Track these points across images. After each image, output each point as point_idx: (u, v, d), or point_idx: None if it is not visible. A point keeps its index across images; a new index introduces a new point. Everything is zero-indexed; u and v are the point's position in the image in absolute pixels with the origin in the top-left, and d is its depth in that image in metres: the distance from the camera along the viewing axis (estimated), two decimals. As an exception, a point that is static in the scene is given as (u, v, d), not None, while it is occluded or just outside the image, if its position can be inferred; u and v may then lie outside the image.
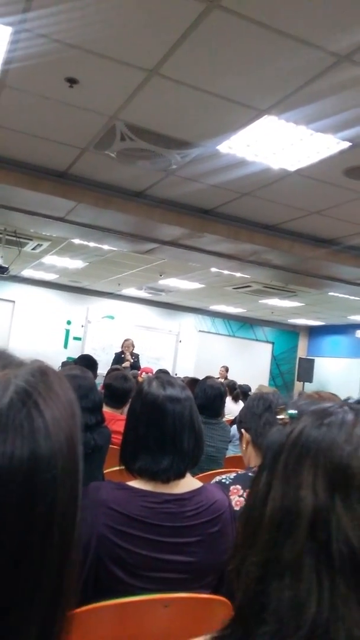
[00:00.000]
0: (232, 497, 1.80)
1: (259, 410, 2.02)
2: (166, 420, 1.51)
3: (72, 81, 3.20)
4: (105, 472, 2.76)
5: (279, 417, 0.67)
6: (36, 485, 0.47)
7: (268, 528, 0.62)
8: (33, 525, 0.47)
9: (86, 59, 2.95)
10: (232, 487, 1.83)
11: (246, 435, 2.02)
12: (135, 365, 8.89)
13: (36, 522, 0.47)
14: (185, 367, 11.87)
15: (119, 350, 9.39)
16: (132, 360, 8.98)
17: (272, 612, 0.58)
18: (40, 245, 7.61)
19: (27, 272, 10.32)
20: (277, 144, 3.69)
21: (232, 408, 6.47)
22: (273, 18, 2.46)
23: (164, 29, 2.63)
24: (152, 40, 2.73)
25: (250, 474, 1.89)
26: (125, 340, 9.35)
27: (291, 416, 0.67)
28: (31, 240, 7.31)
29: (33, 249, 7.88)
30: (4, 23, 2.73)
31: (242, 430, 2.04)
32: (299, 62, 2.75)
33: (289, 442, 0.64)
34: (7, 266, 7.33)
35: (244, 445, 2.03)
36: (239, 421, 2.10)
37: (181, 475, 1.52)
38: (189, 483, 1.55)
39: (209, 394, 3.56)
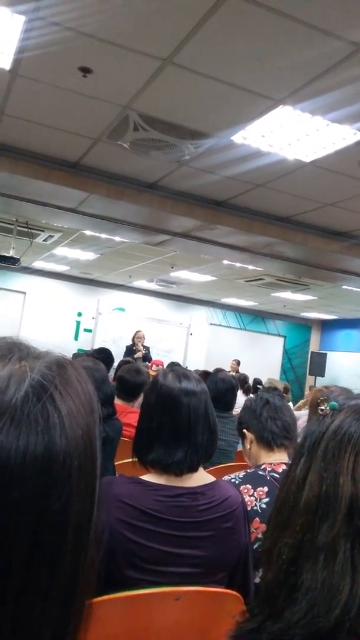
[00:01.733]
0: (243, 496, 1.78)
1: (259, 407, 2.03)
2: (181, 413, 1.51)
3: (85, 70, 3.18)
4: (116, 464, 2.77)
5: (320, 408, 0.70)
6: (51, 483, 0.46)
7: (304, 512, 0.64)
8: (47, 523, 0.46)
9: (100, 48, 2.92)
10: (242, 487, 1.81)
11: (249, 435, 2.02)
12: (146, 358, 8.90)
13: (50, 521, 0.46)
14: (196, 360, 11.86)
15: (130, 343, 9.41)
16: (144, 352, 8.99)
17: (304, 592, 0.60)
18: (52, 236, 7.62)
19: (39, 264, 10.35)
20: (293, 134, 3.64)
21: (244, 402, 6.45)
22: (290, 6, 2.41)
23: (179, 18, 2.59)
24: (166, 29, 2.70)
25: (260, 472, 1.88)
26: (137, 332, 9.36)
27: (332, 407, 0.70)
28: (43, 231, 7.32)
29: (44, 240, 7.89)
30: (17, 12, 2.71)
31: (244, 430, 2.04)
32: (317, 51, 2.70)
33: (329, 432, 0.67)
34: (18, 257, 7.34)
35: (248, 445, 2.03)
36: (239, 422, 2.11)
37: (194, 469, 1.51)
38: (202, 477, 1.54)
39: (220, 387, 3.55)
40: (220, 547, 1.48)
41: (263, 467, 1.90)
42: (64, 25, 2.76)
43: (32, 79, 3.40)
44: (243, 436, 2.06)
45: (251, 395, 7.84)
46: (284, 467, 1.89)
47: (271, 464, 1.90)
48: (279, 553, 0.64)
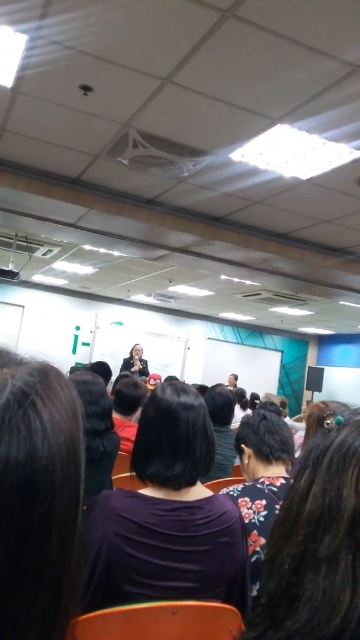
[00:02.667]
0: (240, 510, 1.79)
1: (257, 422, 2.05)
2: (180, 427, 1.51)
3: (86, 89, 3.23)
4: (113, 478, 2.76)
5: (326, 422, 0.72)
6: (33, 489, 0.46)
7: (307, 523, 0.65)
8: (30, 530, 0.46)
9: (100, 66, 2.97)
10: (240, 500, 1.82)
11: (247, 450, 2.03)
12: (144, 372, 8.89)
13: (33, 527, 0.46)
14: (194, 375, 11.85)
15: (128, 356, 9.41)
16: (141, 366, 8.98)
17: (305, 601, 0.60)
18: (51, 250, 7.65)
19: (37, 278, 10.37)
20: (290, 152, 3.69)
21: (241, 416, 6.44)
22: (288, 27, 2.47)
23: (179, 38, 2.65)
24: (166, 49, 2.75)
25: (258, 485, 1.88)
26: (135, 345, 9.36)
27: (338, 422, 0.71)
28: (42, 245, 7.35)
29: (44, 254, 7.92)
30: (20, 31, 2.76)
31: (242, 445, 2.05)
32: (314, 71, 2.76)
33: (334, 445, 0.68)
34: (17, 271, 7.37)
35: (246, 460, 2.04)
36: (237, 439, 2.12)
37: (192, 483, 1.52)
38: (200, 491, 1.54)
39: (217, 402, 3.55)
40: (218, 562, 1.48)
41: (261, 480, 1.90)
42: (66, 44, 2.81)
43: (34, 97, 3.45)
44: (241, 451, 2.07)
45: (249, 410, 7.84)
46: (282, 480, 1.90)
47: (269, 477, 1.91)
48: (281, 563, 0.65)
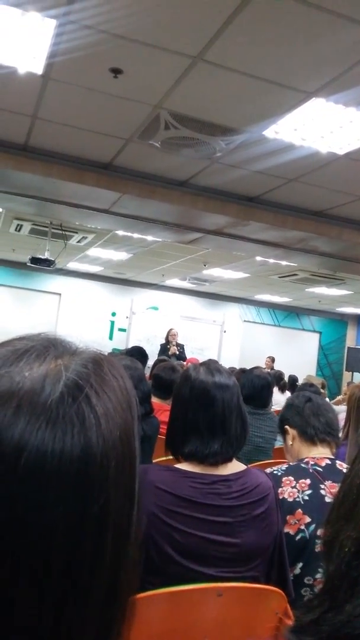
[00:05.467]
0: (284, 488, 1.79)
1: (302, 404, 2.05)
2: (217, 406, 1.54)
3: (116, 71, 3.20)
4: (154, 461, 2.78)
5: None
6: (88, 485, 0.45)
7: None
8: (85, 526, 0.45)
9: (130, 48, 2.93)
10: (284, 479, 1.83)
11: (292, 431, 2.04)
12: (181, 356, 8.91)
13: (88, 524, 0.45)
14: (230, 358, 11.82)
15: (164, 341, 9.45)
16: (177, 352, 9.01)
17: None
18: (86, 237, 7.70)
19: (73, 265, 10.48)
20: (326, 127, 3.59)
21: (279, 399, 6.41)
22: (321, -4, 2.38)
23: (208, 14, 2.58)
24: (196, 26, 2.69)
25: (302, 464, 1.87)
26: (170, 330, 9.39)
27: None
28: (76, 233, 7.41)
29: (78, 241, 7.99)
30: (49, 16, 2.74)
31: (286, 427, 2.05)
32: (349, 41, 2.66)
33: None
34: (53, 259, 7.46)
35: (290, 441, 2.04)
36: (281, 420, 2.12)
37: (229, 459, 1.55)
38: (234, 465, 1.57)
39: (256, 384, 3.53)
40: (255, 533, 1.50)
41: (306, 460, 1.90)
42: (94, 27, 2.78)
43: (64, 82, 3.44)
44: (285, 432, 2.07)
45: (287, 393, 7.77)
46: (327, 461, 1.88)
47: (314, 457, 1.90)
48: (340, 545, 0.62)
